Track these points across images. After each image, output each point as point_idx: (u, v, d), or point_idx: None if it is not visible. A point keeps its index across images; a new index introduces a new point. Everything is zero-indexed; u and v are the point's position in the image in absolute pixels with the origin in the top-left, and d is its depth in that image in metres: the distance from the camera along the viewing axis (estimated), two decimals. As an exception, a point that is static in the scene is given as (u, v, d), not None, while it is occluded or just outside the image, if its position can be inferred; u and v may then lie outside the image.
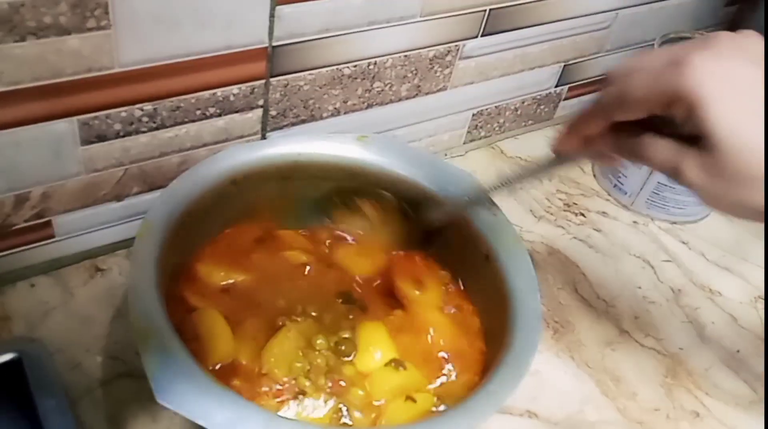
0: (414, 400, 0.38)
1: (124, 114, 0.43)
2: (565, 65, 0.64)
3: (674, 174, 0.32)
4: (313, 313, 0.42)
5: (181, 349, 0.34)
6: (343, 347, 0.41)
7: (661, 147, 0.32)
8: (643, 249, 0.58)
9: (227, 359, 0.39)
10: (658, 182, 0.59)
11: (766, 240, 0.58)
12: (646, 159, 0.33)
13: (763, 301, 0.55)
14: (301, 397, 0.38)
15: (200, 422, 0.31)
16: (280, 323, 0.41)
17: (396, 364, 0.40)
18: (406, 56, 0.51)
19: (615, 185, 0.62)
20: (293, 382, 0.39)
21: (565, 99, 0.68)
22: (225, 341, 0.39)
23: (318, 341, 0.41)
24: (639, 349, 0.50)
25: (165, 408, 0.41)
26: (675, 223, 0.61)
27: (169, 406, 0.31)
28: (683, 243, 0.59)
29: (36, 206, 0.44)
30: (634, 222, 0.60)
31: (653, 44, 0.58)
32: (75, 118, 0.41)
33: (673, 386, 0.48)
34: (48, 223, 0.46)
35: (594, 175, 0.64)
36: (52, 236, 0.47)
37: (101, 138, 0.43)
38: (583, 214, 0.60)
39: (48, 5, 0.36)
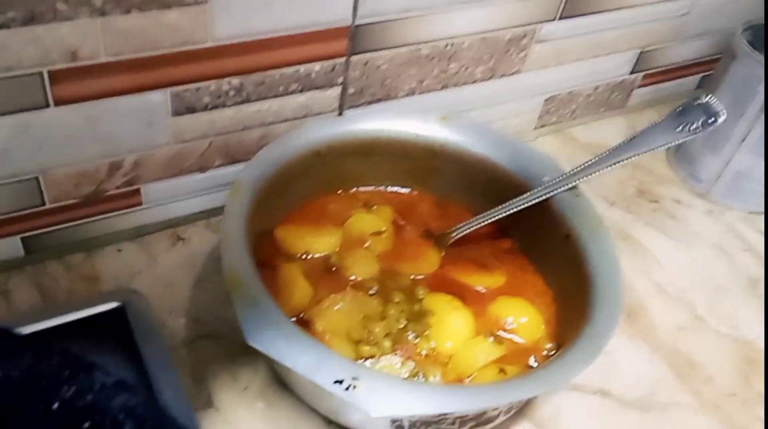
0: (505, 373, 0.40)
1: (213, 87, 0.46)
2: (641, 52, 0.64)
3: None
4: (378, 287, 0.45)
5: (268, 298, 0.36)
6: (417, 316, 0.43)
7: None
8: (718, 237, 0.58)
9: (304, 307, 0.42)
10: (737, 171, 0.59)
11: (766, 241, 0.57)
12: None
13: None
14: (375, 358, 0.40)
15: (286, 363, 0.33)
16: (348, 295, 0.44)
17: (490, 335, 0.42)
18: (483, 38, 0.53)
19: (691, 173, 0.62)
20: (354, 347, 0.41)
21: (639, 86, 0.68)
22: (303, 290, 0.43)
23: (390, 312, 0.43)
24: (714, 336, 0.50)
25: (244, 367, 0.44)
26: (752, 212, 0.60)
27: (258, 348, 0.34)
28: (760, 233, 0.59)
29: (127, 174, 0.47)
30: (710, 211, 0.60)
31: (734, 32, 0.58)
32: (168, 90, 0.44)
33: (750, 373, 0.48)
34: (137, 191, 0.49)
35: (668, 163, 0.64)
36: (140, 204, 0.50)
37: (190, 110, 0.46)
38: (656, 201, 0.60)
39: (153, -21, 0.39)
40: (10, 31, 0.37)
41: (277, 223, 0.47)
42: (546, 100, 0.62)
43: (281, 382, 0.43)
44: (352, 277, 0.45)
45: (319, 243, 0.47)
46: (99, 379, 0.20)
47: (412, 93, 0.54)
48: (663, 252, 0.56)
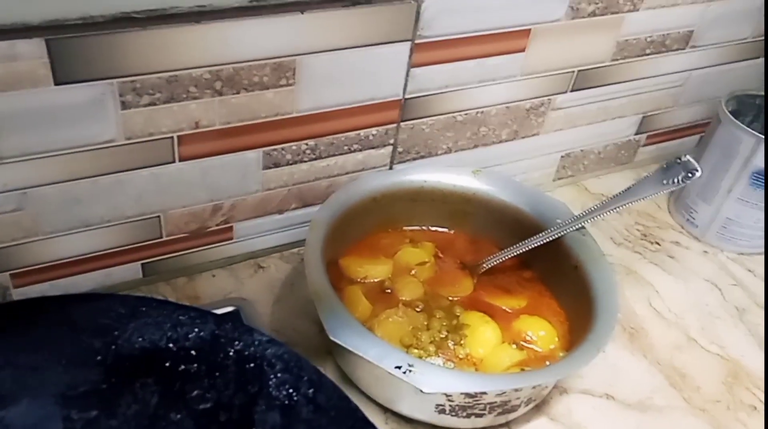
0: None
1: (294, 147, 0.59)
2: (643, 116, 0.77)
3: None
4: (423, 306, 0.57)
5: (342, 307, 0.48)
6: (455, 329, 0.55)
7: None
8: (711, 274, 0.69)
9: (365, 319, 0.54)
10: (727, 218, 0.70)
11: (766, 245, 0.67)
12: None
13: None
14: (422, 359, 0.52)
15: (360, 353, 0.45)
16: (400, 311, 0.56)
17: (512, 343, 0.54)
18: (507, 107, 0.66)
19: (687, 219, 0.73)
20: (405, 350, 0.52)
21: (644, 145, 0.80)
22: (364, 306, 0.55)
23: (433, 324, 0.55)
24: (704, 354, 0.61)
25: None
26: (742, 253, 0.71)
27: (339, 342, 0.45)
28: (749, 271, 0.69)
29: (225, 214, 0.61)
30: (705, 251, 0.71)
31: (720, 101, 0.70)
32: (261, 149, 0.58)
33: (734, 384, 0.58)
34: (230, 228, 0.62)
35: (669, 211, 0.76)
36: (231, 239, 0.63)
37: (276, 165, 0.60)
38: (658, 243, 0.72)
39: (257, 69, 0.53)
40: (156, 107, 0.51)
41: (341, 255, 0.60)
42: (562, 156, 0.75)
43: (345, 380, 0.55)
44: (402, 298, 0.57)
45: (376, 270, 0.59)
46: (257, 337, 0.33)
47: (449, 151, 0.67)
48: (662, 285, 0.67)
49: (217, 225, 0.61)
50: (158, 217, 0.57)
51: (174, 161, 0.54)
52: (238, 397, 0.32)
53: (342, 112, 0.58)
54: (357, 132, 0.61)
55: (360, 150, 0.62)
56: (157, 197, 0.56)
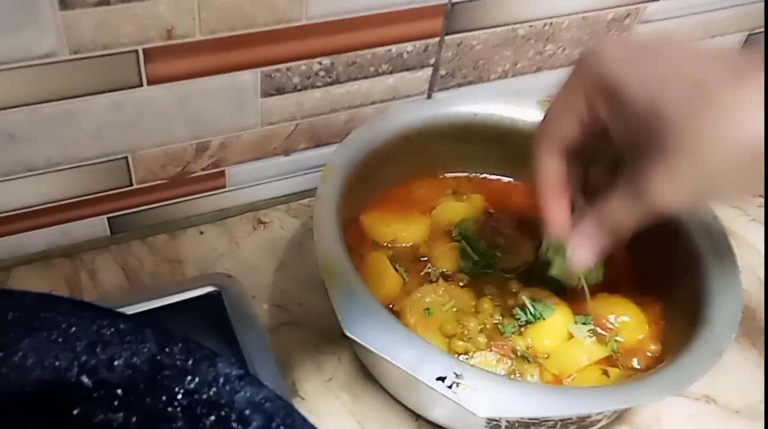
0: (608, 375, 0.39)
1: (303, 67, 0.45)
2: (749, 34, 0.61)
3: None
4: (467, 280, 0.43)
5: (363, 287, 0.36)
6: (512, 316, 0.41)
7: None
8: (833, 237, 0.54)
9: (393, 297, 0.42)
10: None
11: (766, 239, 0.54)
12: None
13: None
14: (468, 354, 0.39)
15: (387, 357, 0.33)
16: (440, 288, 0.43)
17: (593, 334, 0.41)
18: (583, 18, 0.51)
19: (802, 167, 0.58)
20: (446, 342, 0.40)
21: (744, 72, 0.64)
22: (391, 280, 0.42)
23: (483, 306, 0.42)
24: (832, 345, 0.47)
25: (328, 357, 0.44)
26: None
27: (357, 340, 0.33)
28: None
29: (214, 156, 0.48)
30: (823, 208, 0.57)
31: None
32: (259, 70, 0.44)
33: None
34: (221, 174, 0.49)
35: (776, 156, 0.61)
36: (223, 186, 0.50)
37: (280, 91, 0.46)
38: (761, 195, 0.57)
39: (251, -45, 0.39)
40: (109, 8, 0.37)
41: (363, 210, 0.47)
42: (644, 85, 0.60)
43: (366, 374, 0.43)
44: (442, 269, 0.44)
45: (408, 231, 0.46)
46: (222, 371, 0.20)
47: (504, 75, 0.52)
48: (771, 250, 0.53)
49: (203, 169, 0.48)
50: (125, 158, 0.45)
51: (141, 85, 0.42)
52: (187, 474, 0.19)
53: (368, 20, 0.45)
54: (387, 48, 0.47)
55: (390, 72, 0.49)
56: (122, 133, 0.44)
